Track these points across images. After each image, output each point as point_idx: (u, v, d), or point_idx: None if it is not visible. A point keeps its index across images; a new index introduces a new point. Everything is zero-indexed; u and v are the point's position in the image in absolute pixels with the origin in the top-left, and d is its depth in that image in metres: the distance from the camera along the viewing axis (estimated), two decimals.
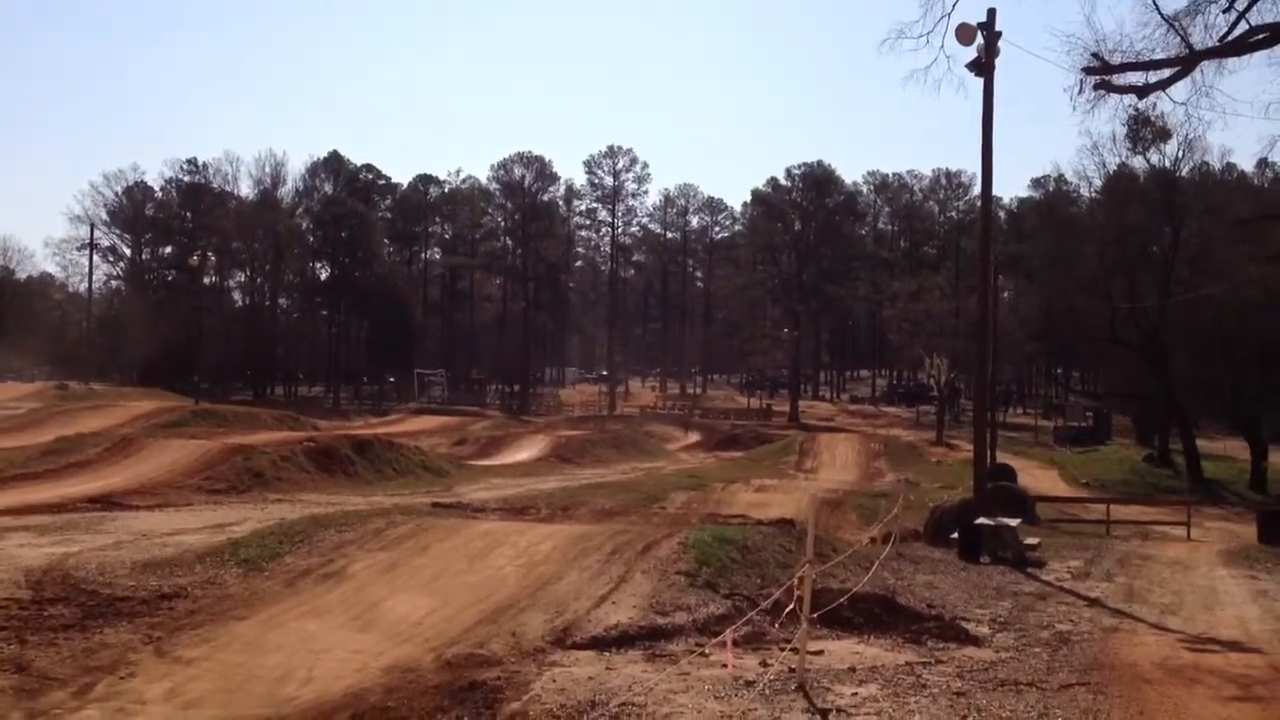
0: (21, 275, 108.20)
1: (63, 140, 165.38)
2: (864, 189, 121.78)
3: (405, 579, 12.58)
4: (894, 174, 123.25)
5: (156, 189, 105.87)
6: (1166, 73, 19.09)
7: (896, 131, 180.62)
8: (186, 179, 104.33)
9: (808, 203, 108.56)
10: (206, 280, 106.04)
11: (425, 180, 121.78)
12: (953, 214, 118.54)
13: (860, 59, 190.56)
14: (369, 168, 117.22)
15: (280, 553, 13.69)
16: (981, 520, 18.91)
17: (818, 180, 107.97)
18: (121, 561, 13.86)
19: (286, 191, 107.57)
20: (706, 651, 9.49)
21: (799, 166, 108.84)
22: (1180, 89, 19.57)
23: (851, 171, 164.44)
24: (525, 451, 48.37)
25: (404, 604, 11.51)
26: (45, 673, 8.62)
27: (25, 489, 24.08)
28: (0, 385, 67.97)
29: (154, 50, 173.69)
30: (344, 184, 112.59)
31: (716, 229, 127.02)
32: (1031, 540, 19.80)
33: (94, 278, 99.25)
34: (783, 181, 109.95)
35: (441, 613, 11.18)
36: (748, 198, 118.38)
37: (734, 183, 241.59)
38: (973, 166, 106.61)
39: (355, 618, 11.06)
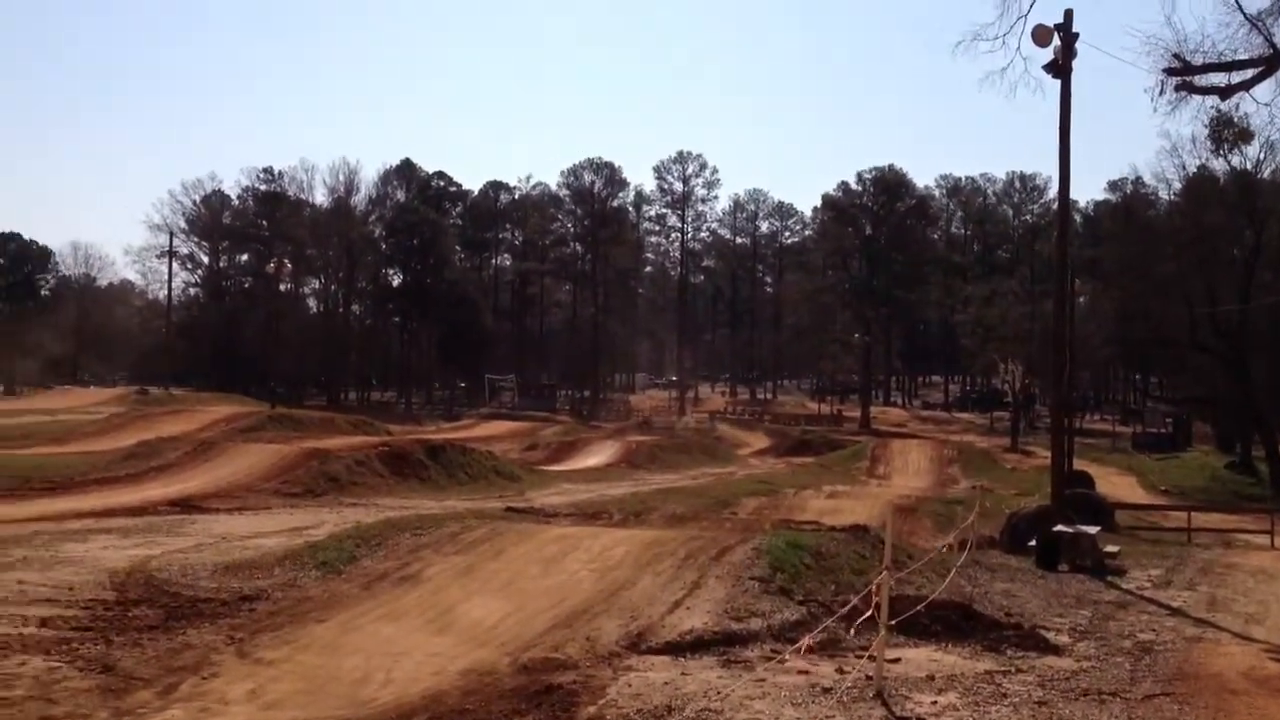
0: (103, 283, 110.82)
1: (143, 150, 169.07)
2: (936, 193, 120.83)
3: (480, 583, 12.64)
4: (967, 177, 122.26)
5: (234, 197, 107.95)
6: (1249, 73, 18.67)
7: (969, 134, 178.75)
8: (263, 187, 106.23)
9: (879, 207, 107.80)
10: (282, 287, 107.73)
11: (496, 187, 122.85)
12: (1027, 217, 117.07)
13: (933, 62, 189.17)
14: (441, 175, 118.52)
15: (357, 556, 13.82)
16: (1060, 527, 18.62)
17: (889, 184, 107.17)
18: (203, 564, 14.10)
19: (360, 199, 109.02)
20: (783, 658, 9.43)
21: (870, 170, 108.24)
22: (1264, 89, 19.16)
23: (923, 175, 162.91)
24: (596, 457, 48.47)
25: (479, 607, 11.57)
26: (131, 673, 8.78)
27: (108, 492, 24.56)
28: (83, 391, 69.60)
29: (230, 60, 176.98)
30: (416, 191, 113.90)
31: (786, 234, 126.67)
32: (1111, 548, 19.45)
33: (173, 285, 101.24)
34: (853, 186, 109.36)
35: (516, 616, 11.22)
36: (818, 202, 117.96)
37: (804, 187, 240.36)
38: (1047, 169, 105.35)
39: (431, 621, 11.13)
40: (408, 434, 49.70)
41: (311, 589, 12.40)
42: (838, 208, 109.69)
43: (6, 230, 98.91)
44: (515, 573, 13.05)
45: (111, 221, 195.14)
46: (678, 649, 10.17)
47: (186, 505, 22.44)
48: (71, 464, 29.49)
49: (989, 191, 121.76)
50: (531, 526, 16.18)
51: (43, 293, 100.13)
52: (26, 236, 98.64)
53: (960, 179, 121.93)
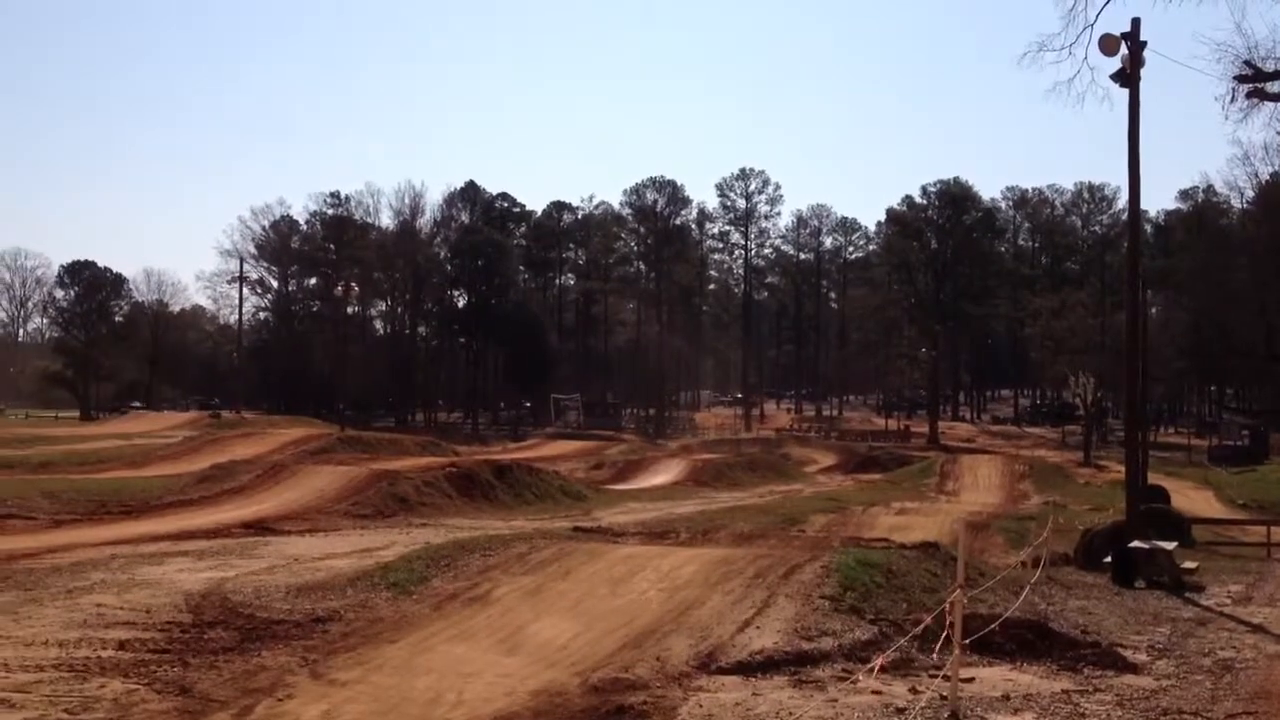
0: (175, 308, 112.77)
1: (213, 177, 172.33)
2: (1002, 205, 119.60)
3: (549, 603, 12.65)
4: (1034, 189, 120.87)
5: (302, 222, 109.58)
6: None
7: (1036, 145, 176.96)
8: (330, 212, 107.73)
9: (944, 220, 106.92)
10: (349, 310, 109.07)
11: (559, 207, 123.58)
12: (1096, 228, 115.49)
13: (998, 73, 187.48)
14: (504, 196, 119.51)
15: (427, 576, 13.90)
16: (1135, 543, 18.27)
17: (954, 197, 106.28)
18: (276, 585, 14.25)
19: (425, 222, 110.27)
20: (856, 678, 9.33)
21: (934, 184, 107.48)
22: None
23: (989, 187, 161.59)
24: (662, 475, 48.43)
25: (549, 628, 11.57)
26: (207, 694, 8.88)
27: (183, 515, 24.94)
28: (157, 415, 70.79)
29: (298, 87, 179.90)
30: (480, 213, 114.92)
31: (850, 249, 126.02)
32: (1188, 564, 19.06)
33: (243, 309, 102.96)
34: (918, 199, 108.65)
35: (586, 637, 11.21)
36: (882, 217, 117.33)
37: (867, 202, 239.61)
38: (1116, 179, 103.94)
39: (501, 641, 11.15)
40: (475, 454, 50.01)
41: (383, 610, 12.48)
42: (902, 221, 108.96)
43: (81, 258, 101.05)
44: (584, 593, 13.04)
45: (183, 248, 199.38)
46: (748, 669, 10.10)
47: (259, 527, 22.71)
48: (147, 487, 29.97)
49: (1057, 202, 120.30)
50: (599, 546, 16.17)
51: (117, 319, 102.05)
52: (100, 264, 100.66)
53: (1027, 190, 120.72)
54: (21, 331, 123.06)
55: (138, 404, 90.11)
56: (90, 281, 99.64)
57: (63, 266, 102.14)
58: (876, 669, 8.77)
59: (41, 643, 10.56)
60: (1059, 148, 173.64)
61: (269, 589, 13.99)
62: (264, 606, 12.80)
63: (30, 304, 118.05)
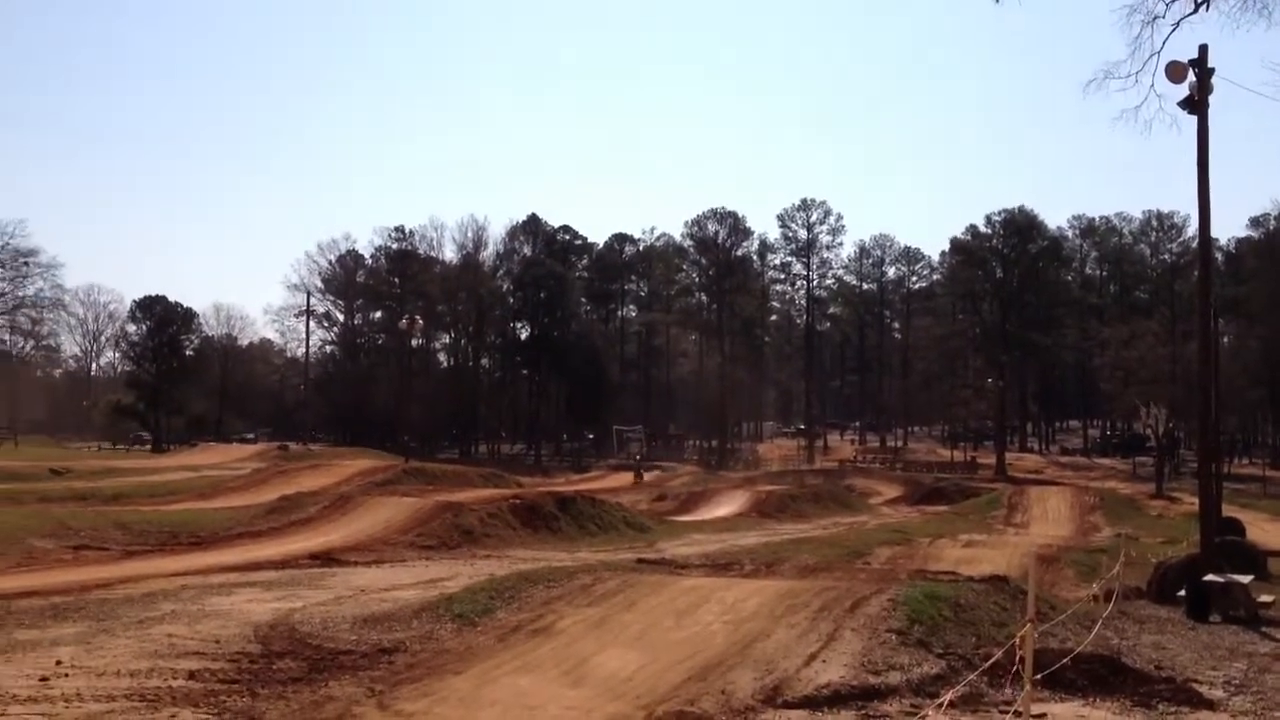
0: (244, 342, 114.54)
1: (281, 213, 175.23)
2: (1069, 233, 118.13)
3: (613, 635, 12.62)
4: (1101, 217, 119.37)
5: (367, 256, 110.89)
6: None
7: (1103, 173, 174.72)
8: (394, 246, 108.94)
9: (1009, 249, 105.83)
10: (414, 343, 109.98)
11: (620, 239, 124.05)
12: (1165, 256, 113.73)
13: (1063, 100, 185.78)
14: (566, 229, 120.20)
15: (492, 608, 13.93)
16: (1210, 577, 17.89)
17: (1019, 226, 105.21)
18: (343, 616, 14.36)
19: (488, 255, 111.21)
20: (924, 713, 9.19)
21: (999, 213, 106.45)
22: None
23: (1055, 216, 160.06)
24: (725, 507, 48.21)
25: (613, 660, 11.54)
26: None
27: (252, 546, 25.21)
28: (226, 447, 71.75)
29: (362, 123, 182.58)
30: (542, 245, 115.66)
31: (914, 279, 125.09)
32: (1265, 597, 18.60)
33: (310, 342, 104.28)
34: (982, 228, 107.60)
35: (650, 669, 11.15)
36: (946, 246, 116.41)
37: (931, 231, 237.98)
38: (1186, 206, 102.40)
39: (566, 673, 11.13)
40: (538, 486, 50.15)
41: (448, 641, 12.53)
42: (967, 251, 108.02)
43: (153, 293, 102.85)
44: (648, 624, 13.00)
45: (251, 283, 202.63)
46: (815, 703, 10.00)
47: (326, 558, 22.90)
48: (217, 519, 30.35)
49: (1125, 231, 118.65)
50: (663, 578, 16.12)
51: (187, 353, 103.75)
52: (171, 299, 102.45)
53: (1094, 219, 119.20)
54: (95, 365, 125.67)
55: (230, 437, 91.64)
56: (161, 316, 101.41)
57: (135, 302, 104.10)
58: (945, 704, 8.65)
59: (114, 672, 10.72)
60: (1126, 175, 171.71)
61: (336, 620, 14.10)
62: (331, 637, 12.90)
63: (103, 338, 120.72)
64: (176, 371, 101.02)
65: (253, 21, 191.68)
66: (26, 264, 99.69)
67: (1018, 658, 8.57)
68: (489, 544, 27.34)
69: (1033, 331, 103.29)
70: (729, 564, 20.25)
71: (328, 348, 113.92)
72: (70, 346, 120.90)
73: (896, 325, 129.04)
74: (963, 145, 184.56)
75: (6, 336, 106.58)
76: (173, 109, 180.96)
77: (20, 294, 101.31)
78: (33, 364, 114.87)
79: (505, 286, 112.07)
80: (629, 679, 10.79)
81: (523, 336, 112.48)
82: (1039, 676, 9.35)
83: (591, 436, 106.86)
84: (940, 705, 8.72)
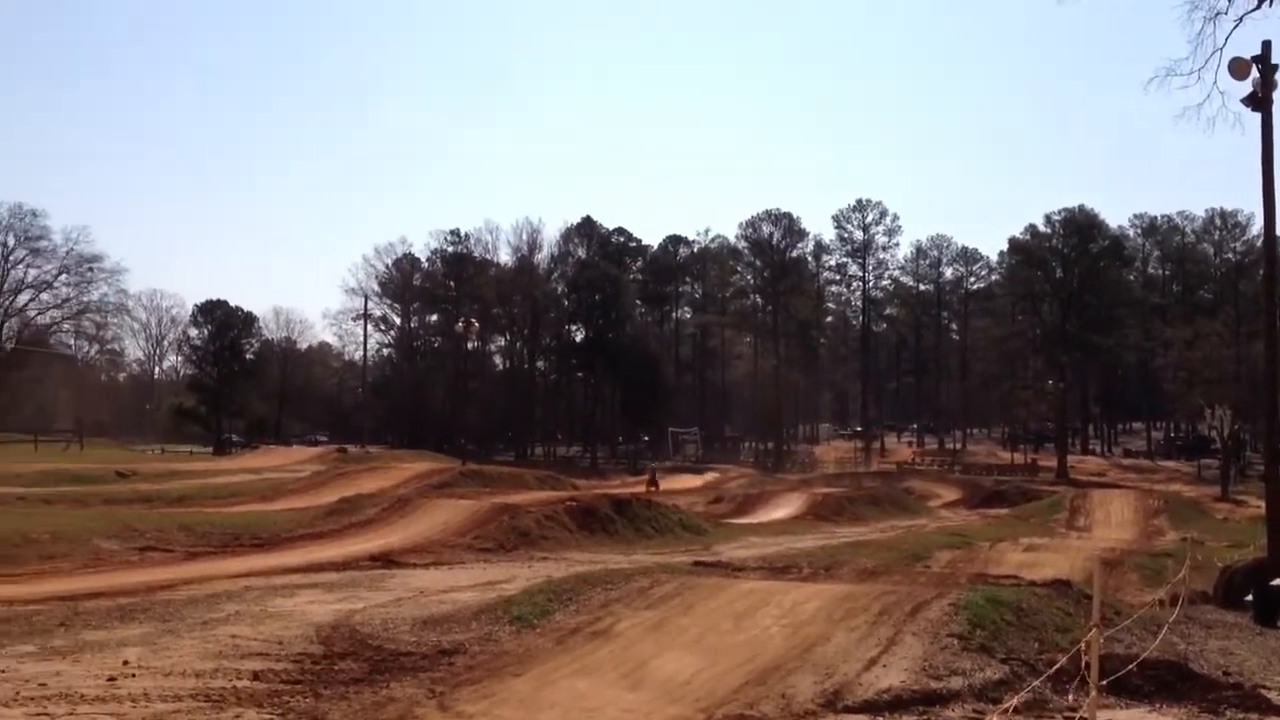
0: (302, 345, 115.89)
1: (339, 217, 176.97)
2: (1130, 232, 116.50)
3: (671, 638, 12.60)
4: (1163, 215, 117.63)
5: (423, 260, 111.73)
6: None
7: (1164, 171, 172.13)
8: (450, 249, 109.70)
9: (1069, 249, 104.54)
10: (469, 345, 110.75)
11: (675, 241, 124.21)
12: (1229, 255, 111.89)
13: (1123, 98, 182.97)
14: (620, 231, 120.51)
15: (550, 610, 13.96)
16: (1278, 581, 17.56)
17: (1079, 225, 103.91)
18: (402, 618, 14.46)
19: (543, 257, 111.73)
20: (987, 719, 9.10)
21: (1059, 212, 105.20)
22: None
23: (1117, 215, 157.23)
24: (782, 509, 48.01)
25: (671, 663, 11.52)
26: None
27: (312, 548, 25.44)
28: (286, 449, 72.48)
29: (417, 126, 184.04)
30: (597, 248, 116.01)
31: (971, 279, 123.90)
32: None
33: (367, 346, 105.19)
34: (1042, 228, 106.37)
35: (709, 672, 11.13)
36: (1004, 246, 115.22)
37: (989, 232, 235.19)
38: (1250, 204, 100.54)
39: (624, 676, 11.13)
40: (594, 488, 50.21)
41: (507, 643, 12.57)
42: (1026, 251, 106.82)
43: (214, 297, 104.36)
44: (706, 628, 12.97)
45: (310, 287, 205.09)
46: (875, 708, 9.93)
47: (386, 560, 23.05)
48: (278, 520, 30.67)
49: (1187, 229, 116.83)
50: (720, 581, 16.08)
51: (248, 356, 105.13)
52: (232, 303, 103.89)
53: (1156, 217, 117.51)
54: (158, 369, 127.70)
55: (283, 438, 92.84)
56: (222, 320, 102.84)
57: (196, 306, 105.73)
58: (1009, 710, 8.55)
59: (179, 673, 10.86)
60: (1189, 173, 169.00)
61: (396, 621, 14.20)
62: (392, 638, 13.00)
63: (166, 342, 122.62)
64: (237, 375, 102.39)
65: (311, 26, 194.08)
66: (91, 269, 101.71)
67: (1083, 663, 8.45)
68: (546, 546, 27.39)
69: (1094, 332, 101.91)
70: (786, 567, 20.15)
71: (385, 351, 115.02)
72: (134, 350, 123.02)
73: (954, 326, 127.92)
74: (1021, 144, 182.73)
75: (72, 341, 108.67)
76: (233, 114, 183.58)
77: (85, 299, 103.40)
78: (98, 368, 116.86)
79: (560, 289, 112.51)
80: (687, 682, 10.78)
81: (578, 339, 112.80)
82: (1104, 682, 9.22)
83: (647, 439, 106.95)
84: (1004, 711, 8.62)
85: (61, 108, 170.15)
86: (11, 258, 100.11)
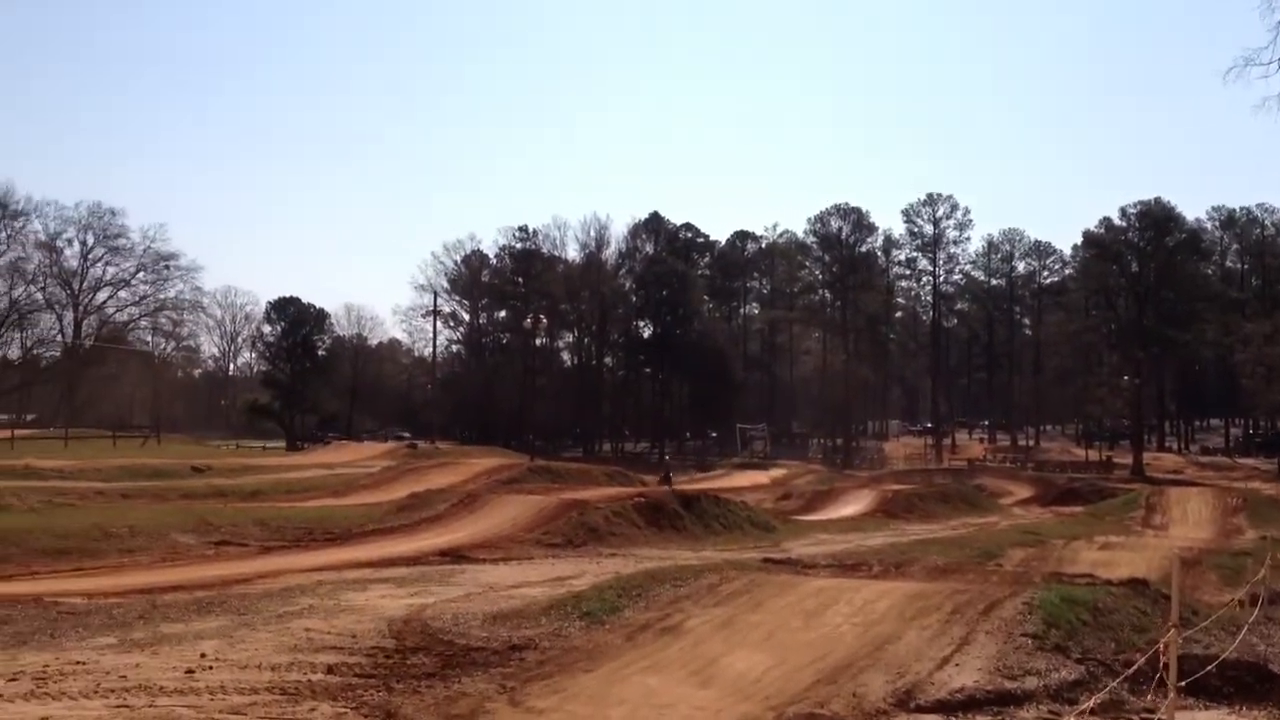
0: (373, 342, 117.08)
1: (408, 214, 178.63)
2: (1208, 225, 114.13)
3: (741, 635, 12.56)
4: (1241, 208, 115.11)
5: (491, 256, 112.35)
6: None
7: (1243, 162, 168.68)
8: (518, 245, 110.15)
9: (1145, 243, 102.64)
10: (538, 341, 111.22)
11: (743, 236, 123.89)
12: None
13: (1200, 88, 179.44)
14: (688, 226, 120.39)
15: (619, 606, 13.97)
16: None
17: (1155, 219, 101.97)
18: (473, 613, 14.55)
19: (610, 253, 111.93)
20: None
21: (1134, 205, 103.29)
22: None
23: (1194, 207, 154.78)
24: (851, 506, 47.67)
25: (741, 660, 11.48)
26: (411, 719, 9.11)
27: (383, 542, 25.72)
28: (358, 445, 73.36)
29: (486, 122, 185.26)
30: (664, 243, 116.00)
31: (1045, 273, 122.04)
32: None
33: (436, 342, 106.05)
34: (1117, 221, 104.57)
35: (779, 670, 11.08)
36: (1078, 240, 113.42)
37: (1062, 225, 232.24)
38: None
39: (694, 673, 11.12)
40: (662, 484, 50.18)
41: (577, 639, 12.60)
42: (1100, 245, 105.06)
43: (287, 294, 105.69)
44: (776, 625, 12.91)
45: (380, 283, 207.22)
46: (949, 707, 9.83)
47: (455, 555, 23.24)
48: (350, 515, 31.05)
49: (1267, 222, 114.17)
50: (790, 578, 16.00)
51: (320, 353, 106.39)
52: (304, 300, 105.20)
53: (1234, 210, 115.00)
54: (232, 365, 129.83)
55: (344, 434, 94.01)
56: (295, 317, 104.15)
57: (270, 303, 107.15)
58: (1086, 711, 8.42)
59: (255, 666, 11.03)
60: (1269, 165, 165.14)
61: (466, 616, 14.30)
62: (462, 633, 13.09)
63: (240, 339, 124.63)
64: (309, 371, 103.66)
65: (385, 24, 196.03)
66: (167, 267, 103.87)
67: (1161, 664, 8.29)
68: (614, 542, 27.43)
69: (1170, 327, 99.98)
70: (856, 564, 20.00)
71: (454, 347, 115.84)
72: (209, 347, 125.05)
73: (1027, 321, 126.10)
74: (1095, 136, 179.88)
75: (149, 338, 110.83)
76: (307, 112, 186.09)
77: (162, 296, 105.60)
78: (174, 364, 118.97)
79: (628, 285, 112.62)
80: (758, 680, 10.74)
81: (645, 335, 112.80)
82: (1183, 684, 9.04)
83: (715, 434, 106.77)
84: (1080, 712, 8.49)
85: (140, 108, 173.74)
86: (91, 256, 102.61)
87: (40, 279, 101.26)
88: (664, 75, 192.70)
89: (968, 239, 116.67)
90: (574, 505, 30.03)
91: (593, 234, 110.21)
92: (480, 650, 12.05)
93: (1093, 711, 8.79)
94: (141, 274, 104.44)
